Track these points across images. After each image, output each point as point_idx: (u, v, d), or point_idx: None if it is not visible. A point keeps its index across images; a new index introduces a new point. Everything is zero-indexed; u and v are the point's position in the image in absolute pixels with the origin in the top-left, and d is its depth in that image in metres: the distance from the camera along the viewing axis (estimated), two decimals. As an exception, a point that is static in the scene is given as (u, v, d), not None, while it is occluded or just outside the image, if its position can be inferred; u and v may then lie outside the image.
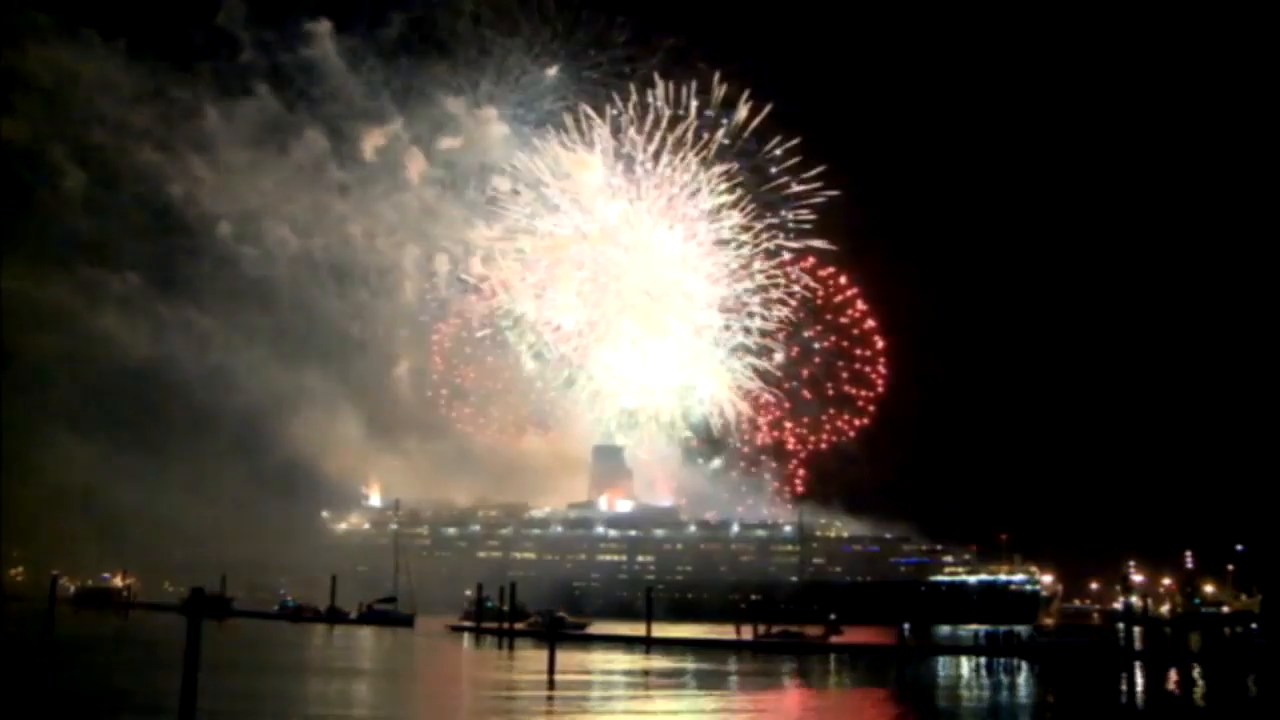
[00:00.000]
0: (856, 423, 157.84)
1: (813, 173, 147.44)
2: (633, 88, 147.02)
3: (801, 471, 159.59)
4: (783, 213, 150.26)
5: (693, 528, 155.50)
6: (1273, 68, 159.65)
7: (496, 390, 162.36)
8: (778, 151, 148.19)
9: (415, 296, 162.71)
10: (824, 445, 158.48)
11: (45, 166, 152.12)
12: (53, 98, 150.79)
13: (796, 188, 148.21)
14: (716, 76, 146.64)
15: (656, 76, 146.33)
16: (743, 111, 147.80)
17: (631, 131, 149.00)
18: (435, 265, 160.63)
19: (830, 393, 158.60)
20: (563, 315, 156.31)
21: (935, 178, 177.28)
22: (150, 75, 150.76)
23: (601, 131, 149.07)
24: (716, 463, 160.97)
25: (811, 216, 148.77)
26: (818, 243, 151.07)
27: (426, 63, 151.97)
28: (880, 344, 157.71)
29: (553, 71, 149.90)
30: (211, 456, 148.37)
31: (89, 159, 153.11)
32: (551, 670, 48.34)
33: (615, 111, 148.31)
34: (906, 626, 66.39)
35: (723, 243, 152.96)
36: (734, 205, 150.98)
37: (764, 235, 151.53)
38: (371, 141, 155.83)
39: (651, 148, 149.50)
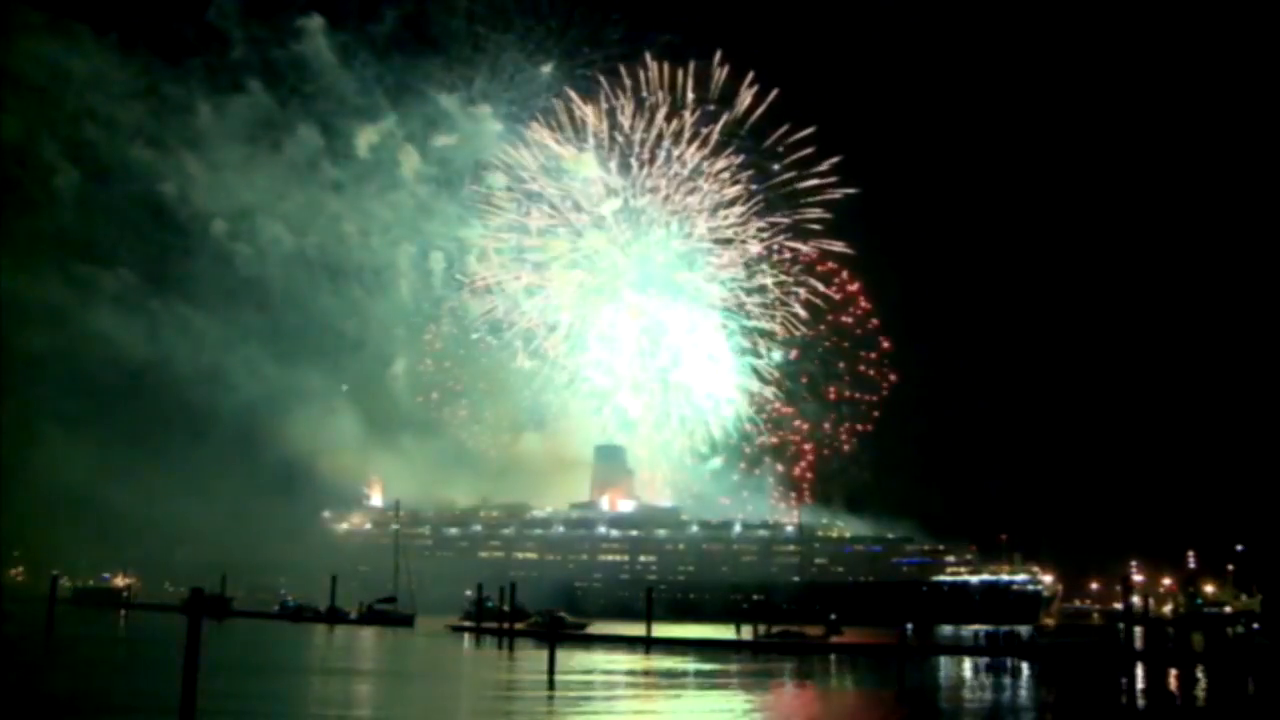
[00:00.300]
0: (859, 427, 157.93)
1: (817, 170, 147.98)
2: (628, 83, 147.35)
3: (805, 473, 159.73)
4: (784, 212, 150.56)
5: (695, 528, 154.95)
6: (1273, 68, 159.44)
7: (491, 391, 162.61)
8: (779, 148, 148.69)
9: (410, 295, 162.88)
10: (825, 449, 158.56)
11: (37, 163, 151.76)
12: (44, 94, 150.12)
13: (798, 185, 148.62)
14: (717, 57, 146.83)
15: (653, 65, 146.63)
16: (744, 101, 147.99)
17: (628, 127, 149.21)
18: (430, 263, 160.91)
19: (832, 395, 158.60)
20: (558, 314, 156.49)
21: (937, 179, 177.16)
22: (142, 71, 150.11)
23: (597, 127, 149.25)
24: (716, 462, 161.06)
25: (815, 215, 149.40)
26: (822, 242, 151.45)
27: (420, 59, 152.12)
28: (885, 344, 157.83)
29: (547, 68, 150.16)
30: (210, 456, 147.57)
31: (81, 155, 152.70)
32: (551, 670, 48.28)
33: (608, 106, 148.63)
34: (909, 626, 66.25)
35: (724, 241, 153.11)
36: (734, 202, 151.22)
37: (764, 232, 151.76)
38: (365, 138, 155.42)
39: (649, 143, 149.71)
